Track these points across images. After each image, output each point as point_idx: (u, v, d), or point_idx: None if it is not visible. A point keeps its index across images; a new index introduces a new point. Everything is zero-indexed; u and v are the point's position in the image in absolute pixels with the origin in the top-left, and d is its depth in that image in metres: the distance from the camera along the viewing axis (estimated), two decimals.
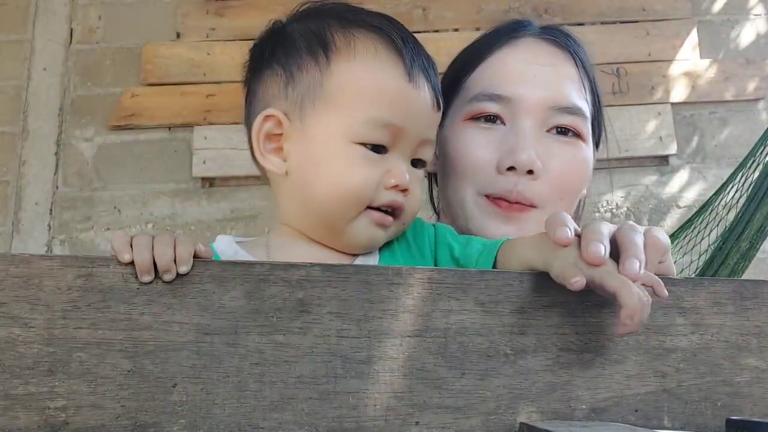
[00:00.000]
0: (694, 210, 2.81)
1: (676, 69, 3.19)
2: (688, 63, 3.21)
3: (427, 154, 0.91)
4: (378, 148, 0.86)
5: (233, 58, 3.05)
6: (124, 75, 3.18)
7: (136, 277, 0.67)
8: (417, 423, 0.67)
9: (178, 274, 0.68)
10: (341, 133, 0.85)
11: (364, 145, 0.85)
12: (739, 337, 0.73)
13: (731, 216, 2.20)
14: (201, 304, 0.67)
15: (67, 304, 0.66)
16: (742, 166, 2.28)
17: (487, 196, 1.04)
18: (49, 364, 0.64)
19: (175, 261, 0.68)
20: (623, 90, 3.15)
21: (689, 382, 0.73)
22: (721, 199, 2.34)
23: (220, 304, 0.68)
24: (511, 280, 0.73)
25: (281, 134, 0.88)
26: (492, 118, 1.05)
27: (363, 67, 0.87)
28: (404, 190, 0.87)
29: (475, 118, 1.06)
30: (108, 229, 3.03)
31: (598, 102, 1.15)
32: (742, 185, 2.23)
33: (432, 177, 1.22)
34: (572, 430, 0.61)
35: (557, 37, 1.13)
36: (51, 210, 3.05)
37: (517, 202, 1.02)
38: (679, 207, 3.08)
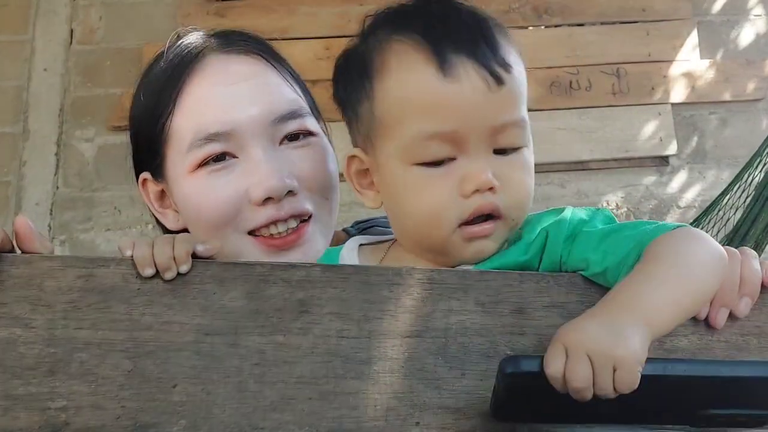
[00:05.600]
0: (694, 210, 2.82)
1: (676, 69, 3.19)
2: (688, 63, 3.21)
3: (512, 136, 0.80)
4: (441, 161, 0.78)
5: None
6: (124, 75, 3.17)
7: (137, 276, 0.68)
8: (417, 423, 0.67)
9: (179, 274, 0.68)
10: (398, 159, 0.80)
11: (424, 164, 0.78)
12: (739, 337, 0.73)
13: (738, 216, 2.19)
14: (201, 305, 0.68)
15: (68, 305, 0.66)
16: (748, 165, 2.27)
17: (252, 233, 0.97)
18: (50, 364, 0.64)
19: (174, 260, 0.68)
20: (623, 90, 3.15)
21: None
22: (728, 198, 2.33)
23: (220, 305, 0.68)
24: (511, 281, 0.73)
25: (368, 169, 0.86)
26: (221, 157, 0.97)
27: (396, 80, 0.80)
28: (491, 189, 0.78)
29: (203, 163, 0.97)
30: (108, 229, 3.03)
31: (305, 85, 1.08)
32: (749, 185, 2.23)
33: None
34: (572, 430, 0.61)
35: (238, 44, 1.04)
36: (51, 210, 3.05)
37: (292, 217, 0.96)
38: (679, 207, 3.08)
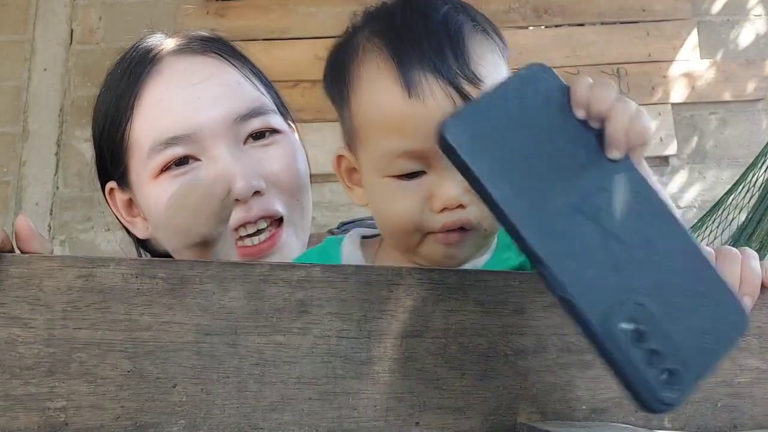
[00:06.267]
0: (694, 210, 2.82)
1: (676, 69, 3.20)
2: (688, 63, 3.21)
3: None
4: (413, 174, 0.79)
5: None
6: None
7: (137, 276, 0.67)
8: (417, 423, 0.67)
9: (179, 275, 0.68)
10: (372, 170, 0.81)
11: (395, 176, 0.79)
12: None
13: (742, 216, 2.20)
14: (201, 305, 0.67)
15: (67, 305, 0.66)
16: (753, 165, 2.28)
17: (236, 231, 0.94)
18: (49, 364, 0.64)
19: None
20: (623, 90, 3.16)
21: None
22: (733, 199, 2.34)
23: (220, 305, 0.68)
24: (510, 281, 0.73)
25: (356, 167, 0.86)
26: (183, 161, 0.95)
27: (366, 96, 0.80)
28: (460, 206, 0.78)
29: (165, 168, 0.95)
30: (108, 229, 3.03)
31: (269, 82, 1.06)
32: (753, 185, 2.23)
33: None
34: (572, 431, 0.61)
35: (195, 45, 1.01)
36: (51, 210, 3.06)
37: (261, 218, 0.95)
38: (679, 207, 3.08)
